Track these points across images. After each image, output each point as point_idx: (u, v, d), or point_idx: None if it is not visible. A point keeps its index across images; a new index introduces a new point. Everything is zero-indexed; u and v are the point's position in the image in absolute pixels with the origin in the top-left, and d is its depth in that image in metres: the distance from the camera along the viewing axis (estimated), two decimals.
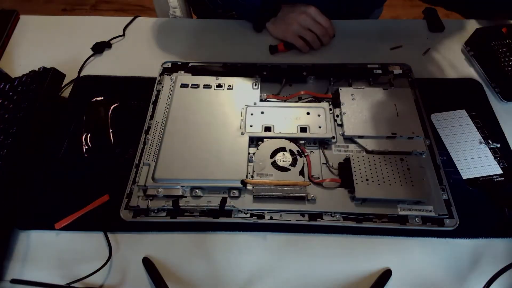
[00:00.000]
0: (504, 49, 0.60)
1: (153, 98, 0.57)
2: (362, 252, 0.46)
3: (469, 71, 0.63)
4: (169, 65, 0.62)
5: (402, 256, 0.45)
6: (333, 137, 0.52)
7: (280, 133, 0.52)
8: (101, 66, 0.64)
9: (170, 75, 0.60)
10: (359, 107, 0.54)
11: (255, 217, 0.47)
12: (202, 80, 0.58)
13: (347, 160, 0.49)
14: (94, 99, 0.56)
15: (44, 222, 0.47)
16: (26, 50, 0.68)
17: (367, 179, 0.47)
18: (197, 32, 0.70)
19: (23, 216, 0.48)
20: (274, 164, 0.49)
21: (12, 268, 0.45)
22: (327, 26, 0.62)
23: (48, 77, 0.57)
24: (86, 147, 0.52)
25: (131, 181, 0.49)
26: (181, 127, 0.53)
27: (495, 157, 0.52)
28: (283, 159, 0.50)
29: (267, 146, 0.51)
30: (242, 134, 0.52)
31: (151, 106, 0.56)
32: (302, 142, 0.52)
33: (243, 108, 0.54)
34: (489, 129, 0.55)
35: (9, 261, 0.45)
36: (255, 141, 0.52)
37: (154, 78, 0.60)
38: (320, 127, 0.52)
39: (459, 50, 0.66)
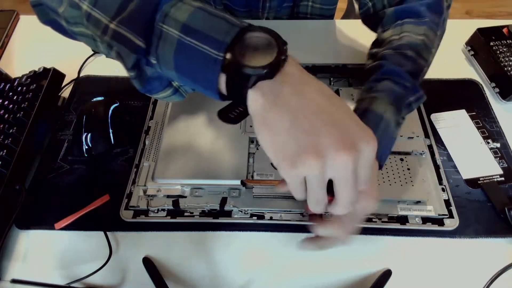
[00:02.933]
0: (504, 49, 0.60)
1: (153, 98, 0.57)
2: (362, 252, 0.46)
3: (469, 71, 0.63)
4: None
5: (402, 256, 0.45)
6: None
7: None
8: (101, 66, 0.64)
9: None
10: None
11: (255, 217, 0.47)
12: None
13: None
14: (94, 99, 0.56)
15: (44, 222, 0.47)
16: (26, 50, 0.68)
17: None
18: None
19: (23, 215, 0.48)
20: None
21: (12, 268, 0.45)
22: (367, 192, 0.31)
23: (48, 77, 0.57)
24: (86, 147, 0.52)
25: (131, 181, 0.49)
26: (181, 127, 0.53)
27: (495, 157, 0.52)
28: None
29: None
30: (242, 134, 0.52)
31: (151, 106, 0.56)
32: None
33: None
34: (489, 129, 0.55)
35: (9, 261, 0.45)
36: (255, 141, 0.52)
37: None
38: None
39: (459, 50, 0.66)
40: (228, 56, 0.25)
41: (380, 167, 0.38)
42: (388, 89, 0.41)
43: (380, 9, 0.53)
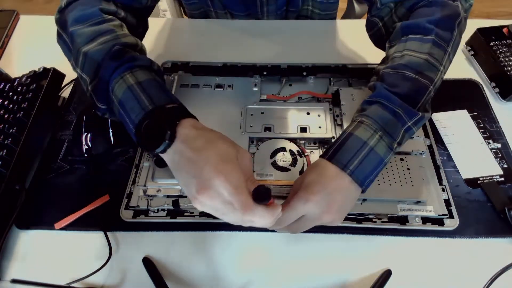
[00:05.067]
0: (504, 49, 0.60)
1: None
2: (362, 252, 0.46)
3: (469, 71, 0.63)
4: (169, 65, 0.62)
5: (402, 256, 0.45)
6: (333, 137, 0.52)
7: (280, 133, 0.52)
8: None
9: (170, 75, 0.60)
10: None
11: None
12: (202, 80, 0.58)
13: None
14: None
15: (44, 222, 0.47)
16: (26, 50, 0.68)
17: None
18: (197, 32, 0.70)
19: (23, 215, 0.48)
20: (274, 164, 0.49)
21: (12, 268, 0.45)
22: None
23: (48, 77, 0.57)
24: (86, 147, 0.52)
25: (131, 181, 0.49)
26: None
27: (495, 157, 0.52)
28: (283, 159, 0.50)
29: (267, 146, 0.51)
30: (242, 134, 0.51)
31: None
32: (302, 142, 0.52)
33: (243, 108, 0.54)
34: (490, 129, 0.55)
35: (9, 261, 0.45)
36: (255, 141, 0.52)
37: None
38: (320, 127, 0.52)
39: (459, 50, 0.66)
40: (137, 134, 0.37)
41: (363, 191, 0.40)
42: (377, 115, 0.40)
43: (390, 27, 0.50)
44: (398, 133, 0.40)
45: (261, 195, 0.34)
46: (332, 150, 0.40)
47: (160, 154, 0.37)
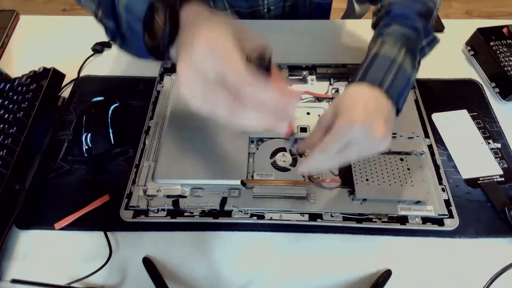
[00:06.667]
0: (504, 49, 0.60)
1: (153, 98, 0.57)
2: (362, 252, 0.46)
3: (469, 71, 0.63)
4: (169, 65, 0.62)
5: (402, 256, 0.45)
6: None
7: (280, 133, 0.52)
8: (101, 66, 0.64)
9: (170, 75, 0.60)
10: None
11: (255, 217, 0.47)
12: None
13: None
14: (94, 99, 0.56)
15: (44, 222, 0.47)
16: (26, 50, 0.68)
17: (367, 179, 0.47)
18: None
19: (23, 215, 0.48)
20: (274, 164, 0.49)
21: (12, 268, 0.45)
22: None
23: (48, 77, 0.57)
24: (86, 147, 0.52)
25: (131, 181, 0.49)
26: (181, 127, 0.53)
27: (495, 157, 0.52)
28: (283, 159, 0.50)
29: (267, 146, 0.51)
30: (242, 134, 0.51)
31: (151, 106, 0.56)
32: None
33: None
34: (490, 129, 0.55)
35: (9, 261, 0.45)
36: (255, 141, 0.52)
37: (154, 78, 0.60)
38: None
39: (459, 50, 0.66)
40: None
41: (398, 111, 0.39)
42: (398, 32, 0.39)
43: None
44: (418, 50, 0.40)
45: (259, 60, 0.30)
46: (362, 71, 0.38)
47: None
